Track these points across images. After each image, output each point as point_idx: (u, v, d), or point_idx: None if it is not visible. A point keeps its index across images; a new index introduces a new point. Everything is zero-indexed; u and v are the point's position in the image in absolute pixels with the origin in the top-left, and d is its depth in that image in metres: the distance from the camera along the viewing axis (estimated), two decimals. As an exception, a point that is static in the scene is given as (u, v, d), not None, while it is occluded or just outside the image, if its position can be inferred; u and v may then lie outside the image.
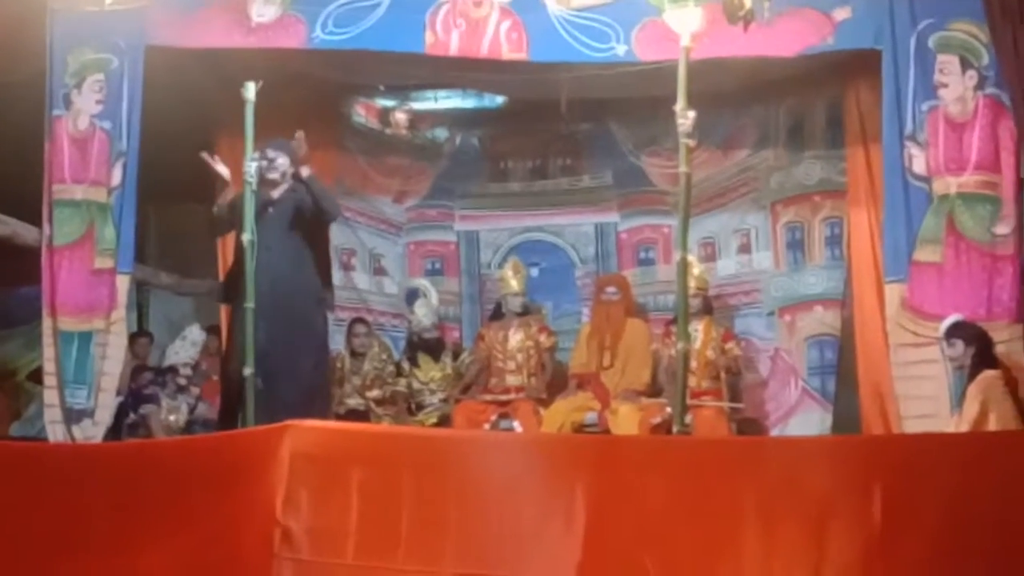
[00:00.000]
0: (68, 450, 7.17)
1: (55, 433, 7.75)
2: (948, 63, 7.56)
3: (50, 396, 7.86)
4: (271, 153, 7.62)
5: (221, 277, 8.51)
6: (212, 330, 9.68)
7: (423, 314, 9.79)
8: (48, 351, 7.87)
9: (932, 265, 7.51)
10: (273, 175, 7.65)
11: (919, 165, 7.58)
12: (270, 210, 7.56)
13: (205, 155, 7.71)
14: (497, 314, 9.79)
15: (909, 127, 7.61)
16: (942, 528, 5.31)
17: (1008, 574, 5.22)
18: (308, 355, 7.67)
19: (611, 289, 9.66)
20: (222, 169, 7.70)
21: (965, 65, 7.53)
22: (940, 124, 7.55)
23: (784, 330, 9.55)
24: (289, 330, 7.50)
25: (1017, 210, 7.46)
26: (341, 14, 7.99)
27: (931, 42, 7.58)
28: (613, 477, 5.69)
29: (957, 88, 7.54)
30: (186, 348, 9.37)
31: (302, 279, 7.68)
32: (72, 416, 7.80)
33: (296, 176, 7.75)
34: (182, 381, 9.12)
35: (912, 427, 7.37)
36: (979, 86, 7.49)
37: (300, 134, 7.65)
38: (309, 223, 7.72)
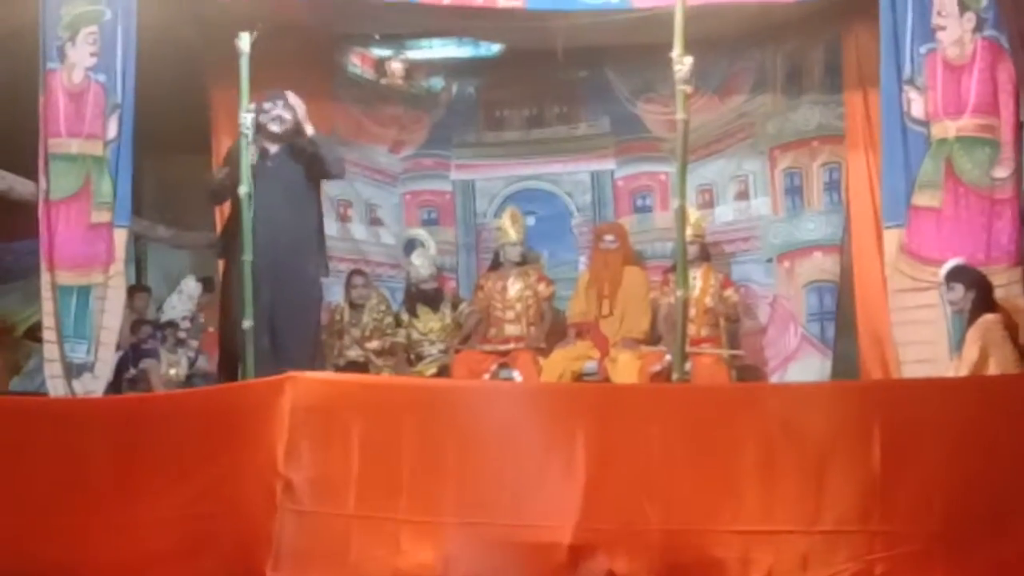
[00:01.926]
0: (69, 404, 7.19)
1: (55, 387, 7.76)
2: (946, 5, 7.51)
3: (50, 351, 7.86)
4: (268, 105, 7.56)
5: (218, 230, 8.48)
6: (207, 282, 9.67)
7: (421, 264, 9.78)
8: (47, 305, 7.85)
9: (931, 210, 7.50)
10: (275, 127, 7.59)
11: (917, 109, 7.56)
12: (268, 163, 7.52)
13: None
14: (495, 264, 9.77)
15: (907, 71, 7.58)
16: (941, 473, 5.32)
17: (1008, 517, 5.23)
18: (305, 309, 7.66)
19: (609, 237, 9.65)
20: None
21: (963, 7, 7.49)
22: (938, 67, 7.52)
23: (783, 276, 9.56)
24: (287, 283, 7.48)
25: (1015, 153, 7.44)
26: (335, -36, 7.95)
27: (929, -16, 7.55)
28: (613, 425, 5.69)
29: (955, 31, 7.50)
30: (183, 302, 9.39)
31: (300, 233, 7.64)
32: (72, 370, 7.80)
33: (298, 131, 7.70)
34: (181, 335, 9.13)
35: (911, 372, 7.38)
36: (977, 28, 7.45)
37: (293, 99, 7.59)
38: (307, 180, 7.68)
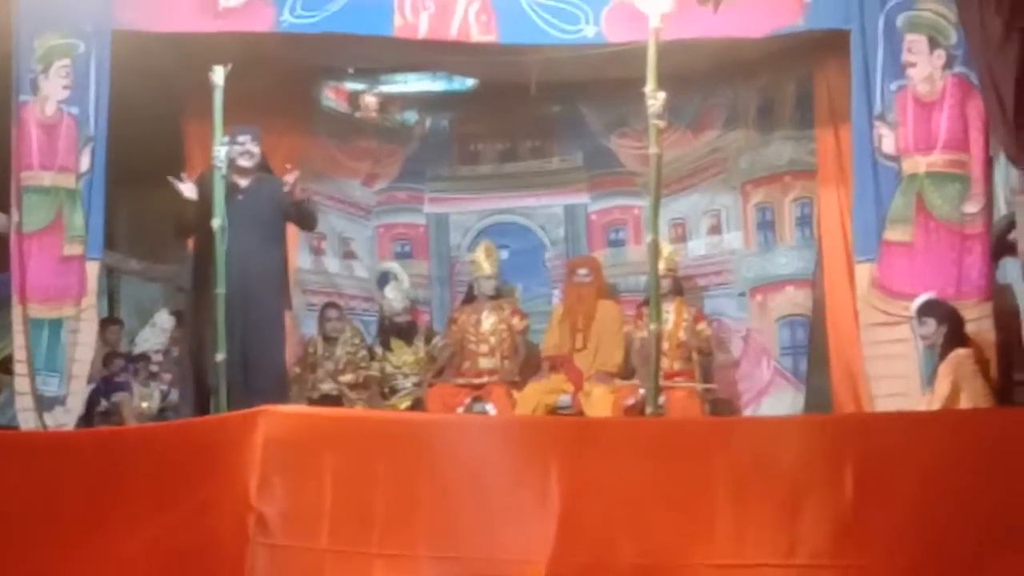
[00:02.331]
0: (40, 438, 7.14)
1: (27, 421, 7.71)
2: (916, 42, 7.57)
3: (21, 384, 7.81)
4: (241, 138, 7.57)
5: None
6: (180, 315, 9.64)
7: (394, 298, 9.80)
8: (18, 338, 7.80)
9: (902, 244, 7.53)
10: (245, 163, 7.60)
11: (888, 145, 7.60)
12: (239, 197, 7.51)
13: (171, 179, 7.59)
14: (469, 297, 9.78)
15: (878, 107, 7.63)
16: (914, 507, 5.33)
17: (979, 552, 5.24)
18: (273, 342, 7.65)
19: (583, 271, 9.69)
20: (187, 190, 7.55)
21: (933, 44, 7.54)
22: (909, 103, 7.56)
23: (755, 310, 9.59)
24: (255, 316, 7.47)
25: (986, 189, 7.49)
26: (309, -3, 7.96)
27: (899, 21, 7.60)
28: (587, 459, 5.70)
29: (925, 68, 7.55)
30: (156, 334, 9.35)
31: (267, 267, 7.63)
32: (44, 404, 7.75)
33: (265, 168, 7.73)
34: (154, 368, 9.09)
35: (883, 406, 7.39)
36: (947, 65, 7.51)
37: (290, 177, 7.58)
38: (274, 215, 7.69)
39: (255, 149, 7.64)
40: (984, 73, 7.12)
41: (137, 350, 9.90)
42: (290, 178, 7.54)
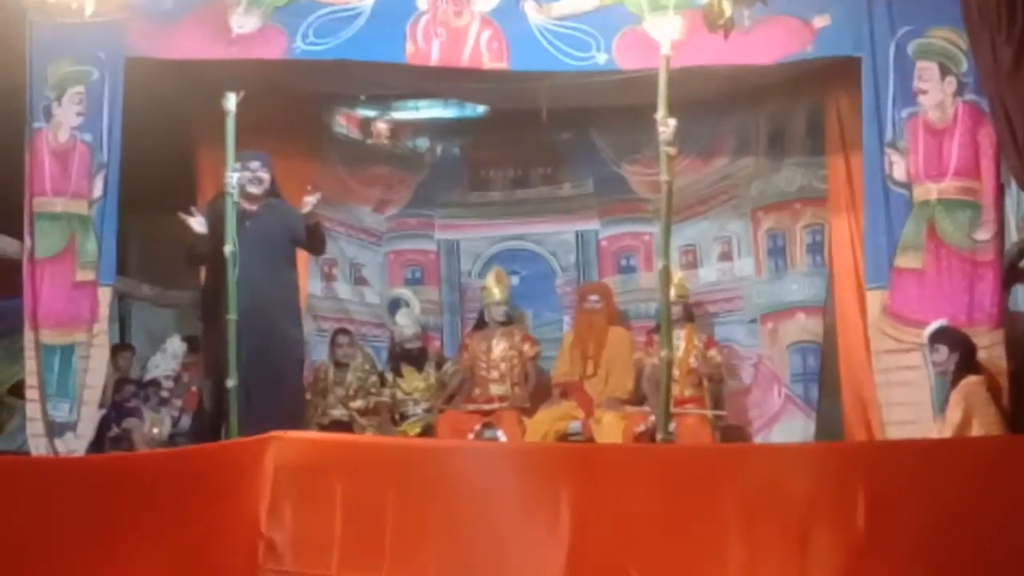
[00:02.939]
0: (51, 463, 7.13)
1: (37, 447, 7.71)
2: (927, 70, 7.58)
3: (32, 409, 7.81)
4: (252, 165, 7.60)
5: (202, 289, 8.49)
6: (192, 341, 9.65)
7: (405, 324, 9.80)
8: (30, 364, 7.81)
9: (913, 271, 7.53)
10: (254, 189, 7.63)
11: (899, 171, 7.60)
12: (247, 223, 7.53)
13: (182, 214, 7.62)
14: (480, 323, 9.79)
15: (889, 134, 7.63)
16: (925, 534, 5.32)
17: (992, 579, 5.24)
18: (285, 369, 7.66)
19: (594, 297, 9.69)
20: (197, 224, 7.58)
21: (944, 71, 7.55)
22: (920, 130, 7.57)
23: (766, 337, 9.57)
24: (267, 342, 7.48)
25: (997, 216, 7.49)
26: (321, 25, 7.98)
27: (910, 49, 7.61)
28: (597, 486, 5.69)
29: (936, 94, 7.56)
30: (167, 360, 9.35)
31: (279, 293, 7.67)
32: (55, 429, 7.75)
33: (275, 194, 7.77)
34: (164, 394, 9.09)
35: (895, 433, 7.37)
36: (958, 92, 7.52)
37: (311, 198, 7.63)
38: (285, 241, 7.73)
39: (265, 175, 7.68)
40: (995, 100, 7.12)
41: (148, 376, 9.92)
42: (311, 199, 7.58)
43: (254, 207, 7.65)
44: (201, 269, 8.16)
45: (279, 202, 7.78)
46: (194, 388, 9.39)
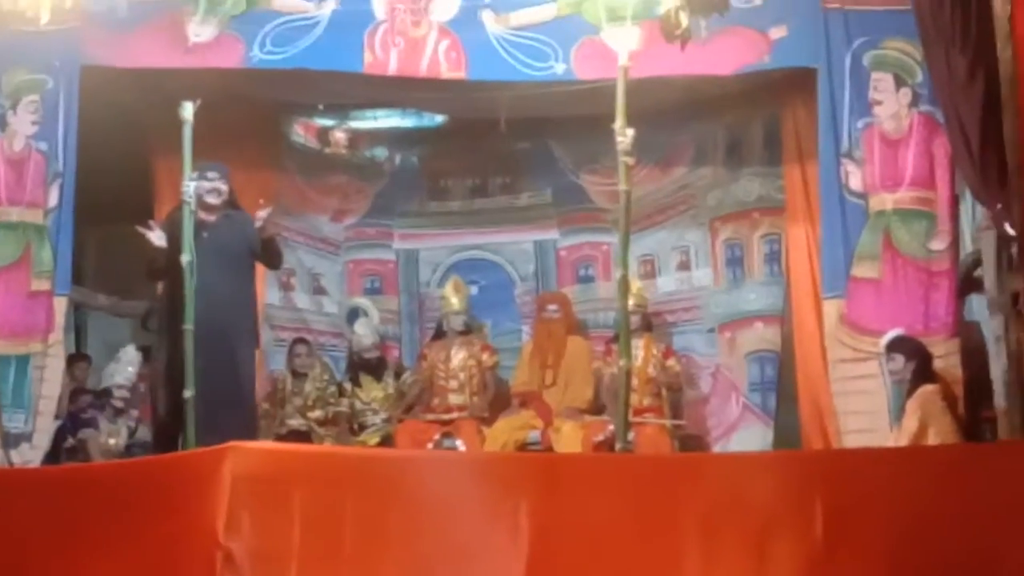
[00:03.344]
0: (6, 475, 7.08)
1: (-8, 457, 7.67)
2: (882, 81, 7.66)
3: (-13, 420, 7.77)
4: (211, 175, 7.56)
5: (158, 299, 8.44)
6: (147, 351, 9.59)
7: (363, 333, 9.78)
8: (-16, 375, 7.78)
9: (869, 281, 7.60)
10: (212, 200, 7.59)
11: (855, 182, 7.68)
12: (204, 234, 7.49)
13: (140, 228, 7.58)
14: (439, 333, 9.77)
15: (845, 144, 7.70)
16: (883, 543, 5.34)
17: (948, 587, 5.27)
18: (241, 378, 7.63)
19: (552, 307, 9.70)
20: (156, 238, 7.51)
21: (899, 83, 7.64)
22: (875, 141, 7.65)
23: (724, 346, 9.60)
24: (223, 352, 7.45)
25: (952, 226, 7.56)
26: (279, 33, 7.98)
27: (866, 60, 7.69)
28: (557, 495, 5.68)
29: (892, 105, 7.64)
30: (121, 369, 9.26)
31: (235, 304, 7.64)
32: (10, 440, 7.71)
33: (233, 204, 7.74)
34: (119, 404, 9.02)
35: (852, 442, 7.43)
36: (913, 103, 7.60)
37: (262, 213, 7.59)
38: (242, 252, 7.70)
39: (223, 186, 7.66)
40: (949, 111, 7.17)
41: (104, 386, 9.84)
42: (262, 214, 7.54)
43: (212, 218, 7.61)
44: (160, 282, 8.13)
45: (238, 213, 7.74)
46: (151, 399, 9.32)
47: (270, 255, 7.86)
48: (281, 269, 9.24)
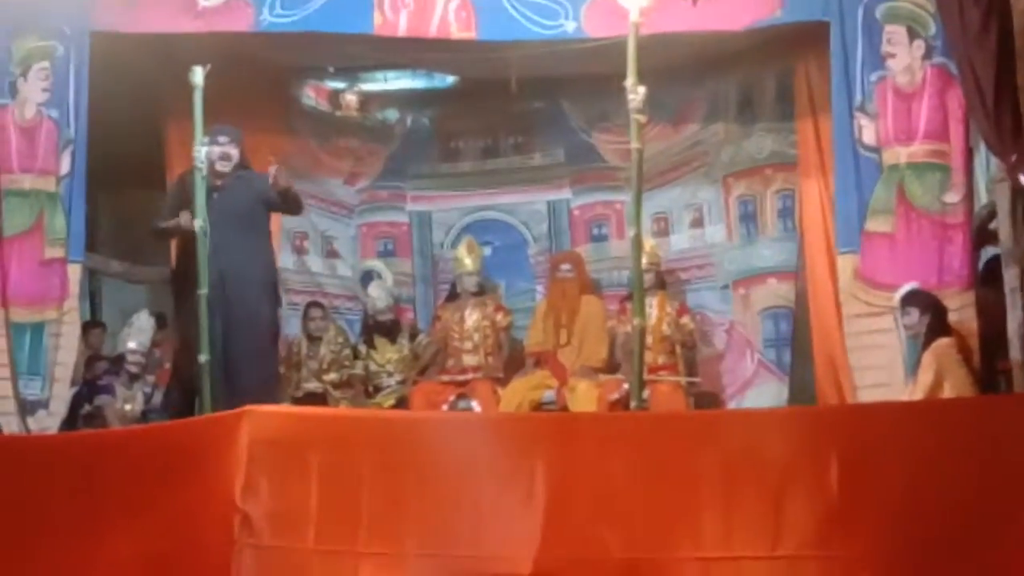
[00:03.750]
0: (23, 442, 7.11)
1: (9, 425, 7.66)
2: (895, 33, 7.60)
3: (3, 388, 7.77)
4: (221, 139, 7.56)
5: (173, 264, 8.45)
6: (161, 317, 9.61)
7: (378, 296, 9.78)
8: (0, 343, 7.78)
9: (883, 235, 7.57)
10: (223, 166, 7.59)
11: (869, 136, 7.63)
12: (215, 196, 7.49)
13: (166, 223, 7.61)
14: (452, 294, 9.78)
15: (858, 98, 7.66)
16: (898, 496, 5.35)
17: (962, 541, 5.26)
18: (259, 341, 7.64)
19: (566, 266, 9.68)
20: (184, 220, 7.44)
21: (912, 35, 7.58)
22: (889, 94, 7.60)
23: (738, 303, 9.59)
24: (241, 316, 7.47)
25: (966, 178, 7.52)
26: (288, -4, 7.96)
27: (878, 13, 7.63)
28: (572, 454, 5.70)
29: (905, 58, 7.59)
30: (134, 335, 9.28)
31: (252, 266, 7.64)
32: (27, 407, 7.72)
33: (244, 165, 7.73)
34: (133, 369, 9.04)
35: (866, 396, 7.41)
36: (927, 56, 7.54)
37: (272, 168, 7.56)
38: (257, 213, 7.70)
39: (233, 151, 7.66)
40: (963, 63, 7.13)
41: (118, 352, 9.87)
42: (272, 169, 7.52)
43: (220, 181, 7.60)
44: (171, 244, 8.13)
45: (248, 172, 7.75)
46: (167, 364, 9.34)
47: (289, 203, 7.82)
48: (294, 230, 9.21)
